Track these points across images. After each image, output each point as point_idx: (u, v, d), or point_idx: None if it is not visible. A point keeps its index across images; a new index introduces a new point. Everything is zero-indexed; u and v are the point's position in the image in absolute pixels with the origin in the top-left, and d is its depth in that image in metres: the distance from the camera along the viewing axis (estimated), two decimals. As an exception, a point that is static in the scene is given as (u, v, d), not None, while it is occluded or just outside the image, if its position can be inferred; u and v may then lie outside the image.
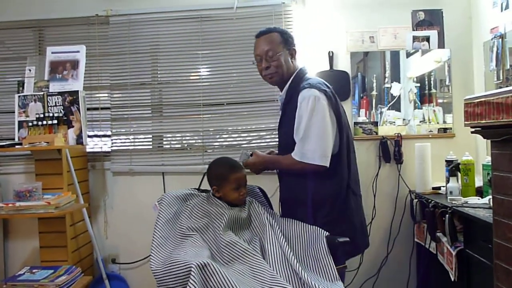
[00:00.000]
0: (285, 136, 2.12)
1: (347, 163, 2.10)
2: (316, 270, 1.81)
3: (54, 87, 2.81)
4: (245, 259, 1.76)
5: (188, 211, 1.97)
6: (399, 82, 2.92)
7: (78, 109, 2.75)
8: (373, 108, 2.93)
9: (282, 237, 1.87)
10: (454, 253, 2.05)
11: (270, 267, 1.73)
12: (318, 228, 1.93)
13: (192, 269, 1.57)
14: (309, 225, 1.96)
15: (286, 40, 2.17)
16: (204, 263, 1.60)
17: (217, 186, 2.03)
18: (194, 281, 1.55)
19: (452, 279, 2.08)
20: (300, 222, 1.99)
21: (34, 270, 2.53)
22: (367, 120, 2.93)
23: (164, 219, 1.96)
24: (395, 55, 2.92)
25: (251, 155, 2.22)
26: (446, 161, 2.50)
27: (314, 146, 1.98)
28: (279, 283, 1.64)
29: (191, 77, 3.09)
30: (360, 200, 2.23)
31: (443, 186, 2.56)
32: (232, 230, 1.89)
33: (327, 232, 1.91)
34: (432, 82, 2.91)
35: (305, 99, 2.01)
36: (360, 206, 2.23)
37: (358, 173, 2.24)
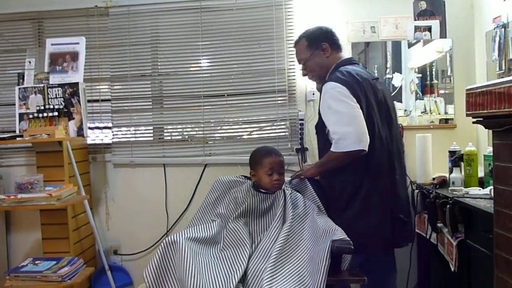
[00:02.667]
0: (317, 124, 2.23)
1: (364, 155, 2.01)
2: (304, 274, 1.72)
3: (54, 79, 2.80)
4: (237, 247, 1.80)
5: (227, 198, 2.09)
6: (401, 73, 2.91)
7: (79, 101, 2.74)
8: (374, 99, 2.92)
9: (285, 234, 1.83)
10: (454, 244, 2.05)
11: (252, 260, 1.74)
12: (335, 229, 1.83)
13: (162, 243, 1.73)
14: (331, 226, 1.87)
15: (312, 42, 2.25)
16: (173, 240, 1.71)
17: (253, 170, 2.11)
18: (158, 254, 1.71)
19: (452, 270, 2.09)
20: (325, 222, 1.91)
21: (37, 262, 2.55)
22: (368, 111, 2.92)
23: (205, 203, 2.16)
24: (396, 45, 2.91)
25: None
26: (449, 151, 2.50)
27: (343, 134, 1.98)
28: (226, 277, 1.63)
29: (192, 69, 3.08)
30: (385, 197, 2.07)
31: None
32: (249, 218, 1.95)
33: (342, 234, 1.80)
34: (433, 72, 2.90)
35: (327, 93, 2.07)
36: (380, 206, 2.06)
37: (393, 167, 2.11)
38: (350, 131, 1.97)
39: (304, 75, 2.33)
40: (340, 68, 2.17)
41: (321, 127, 2.17)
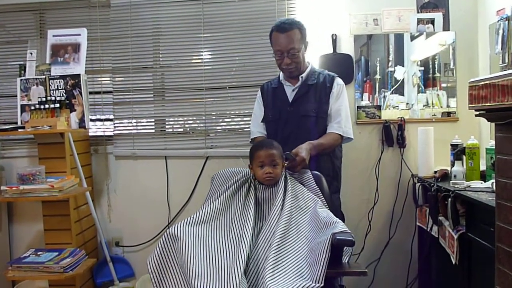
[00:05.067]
0: (312, 110, 2.37)
1: None
2: (303, 266, 1.71)
3: (56, 70, 2.79)
4: (239, 235, 1.80)
5: (228, 191, 2.05)
6: (403, 66, 2.90)
7: (80, 93, 2.74)
8: (377, 92, 2.91)
9: (283, 227, 1.81)
10: (456, 237, 2.06)
11: (253, 251, 1.74)
12: (336, 222, 1.83)
13: (164, 235, 1.76)
14: (332, 219, 1.85)
15: (304, 36, 2.36)
16: (174, 230, 1.74)
17: (250, 163, 2.10)
18: (160, 244, 1.75)
19: (454, 263, 2.10)
20: (327, 214, 1.91)
21: (39, 253, 2.56)
22: (370, 104, 2.92)
23: (208, 196, 2.14)
24: (399, 38, 2.89)
25: (290, 157, 2.14)
26: (451, 145, 2.49)
27: (349, 124, 2.42)
28: (226, 273, 1.61)
29: (193, 61, 3.07)
30: None
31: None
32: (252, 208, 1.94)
33: (343, 227, 1.80)
34: (436, 65, 2.88)
35: (340, 85, 2.43)
36: None
37: None
38: (350, 123, 2.45)
39: (288, 64, 2.34)
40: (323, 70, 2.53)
41: (313, 100, 2.38)
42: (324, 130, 2.39)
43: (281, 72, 2.49)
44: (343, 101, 2.42)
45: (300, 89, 2.41)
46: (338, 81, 2.44)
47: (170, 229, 1.77)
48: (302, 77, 2.40)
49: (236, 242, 1.76)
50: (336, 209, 2.32)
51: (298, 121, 2.38)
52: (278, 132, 2.40)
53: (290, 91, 2.44)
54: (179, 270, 1.69)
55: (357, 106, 2.92)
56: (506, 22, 2.37)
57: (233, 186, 2.04)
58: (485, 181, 2.23)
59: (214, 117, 3.06)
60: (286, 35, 2.30)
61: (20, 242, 3.10)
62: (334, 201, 2.36)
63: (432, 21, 2.86)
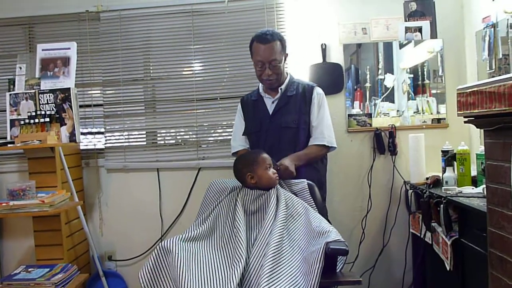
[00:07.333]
0: (292, 121, 2.36)
1: None
2: (298, 276, 1.70)
3: (46, 84, 2.78)
4: (233, 243, 1.80)
5: (221, 206, 2.05)
6: (393, 74, 2.92)
7: (71, 107, 2.72)
8: (367, 100, 2.93)
9: (278, 235, 1.81)
10: (449, 243, 2.06)
11: (249, 257, 1.74)
12: (329, 231, 1.83)
13: (156, 249, 1.76)
14: (325, 228, 1.86)
15: (284, 47, 2.37)
16: (166, 244, 1.74)
17: (251, 172, 2.08)
18: (153, 258, 1.76)
19: (448, 268, 2.10)
20: (319, 223, 1.91)
21: (30, 269, 2.52)
22: (361, 112, 2.93)
23: (202, 209, 2.15)
24: (388, 46, 2.92)
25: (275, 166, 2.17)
26: (442, 151, 2.51)
27: (332, 133, 2.42)
28: (224, 278, 1.63)
29: (184, 72, 3.07)
30: None
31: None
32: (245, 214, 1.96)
33: (337, 235, 1.80)
34: (425, 72, 2.91)
35: (320, 95, 2.43)
36: None
37: None
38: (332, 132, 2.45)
39: (269, 75, 2.33)
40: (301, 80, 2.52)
41: (293, 111, 2.37)
42: (306, 141, 2.38)
43: (260, 84, 2.49)
44: (325, 111, 2.42)
45: (280, 101, 2.41)
46: (318, 90, 2.43)
47: (163, 242, 1.76)
48: (281, 88, 2.41)
49: (230, 259, 1.75)
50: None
51: (280, 133, 2.37)
52: (260, 144, 2.39)
53: (270, 103, 2.44)
54: (172, 284, 1.68)
55: (348, 114, 2.93)
56: (492, 29, 2.41)
57: (225, 199, 2.04)
58: (476, 187, 2.24)
59: (205, 128, 3.06)
60: (268, 46, 2.29)
61: (10, 259, 3.06)
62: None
63: (419, 29, 2.89)
